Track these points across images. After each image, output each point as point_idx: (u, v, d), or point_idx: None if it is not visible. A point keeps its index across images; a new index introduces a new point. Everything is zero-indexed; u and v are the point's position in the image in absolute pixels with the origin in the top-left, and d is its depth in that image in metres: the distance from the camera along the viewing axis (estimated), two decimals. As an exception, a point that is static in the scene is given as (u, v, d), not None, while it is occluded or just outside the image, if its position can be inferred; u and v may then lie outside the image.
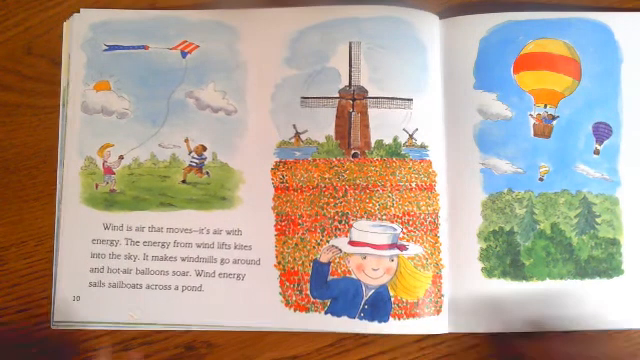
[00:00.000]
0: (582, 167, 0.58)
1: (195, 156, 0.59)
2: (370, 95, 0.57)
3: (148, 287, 0.58)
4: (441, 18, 0.59)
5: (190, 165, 0.59)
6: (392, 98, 0.57)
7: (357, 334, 0.58)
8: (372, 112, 0.57)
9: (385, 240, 0.56)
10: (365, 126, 0.57)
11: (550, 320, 0.57)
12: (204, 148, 0.59)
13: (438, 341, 0.58)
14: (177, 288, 0.58)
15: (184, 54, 0.60)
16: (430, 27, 0.58)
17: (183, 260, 0.58)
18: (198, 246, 0.58)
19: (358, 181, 0.57)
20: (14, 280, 0.59)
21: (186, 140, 0.59)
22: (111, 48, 0.60)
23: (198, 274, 0.58)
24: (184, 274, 0.58)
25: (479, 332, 0.58)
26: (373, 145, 0.57)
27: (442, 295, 0.57)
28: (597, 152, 0.58)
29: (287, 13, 0.59)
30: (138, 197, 0.59)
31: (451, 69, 0.59)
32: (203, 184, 0.59)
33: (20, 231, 0.59)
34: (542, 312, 0.57)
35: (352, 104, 0.57)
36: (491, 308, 0.57)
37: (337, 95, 0.58)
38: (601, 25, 0.59)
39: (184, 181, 0.59)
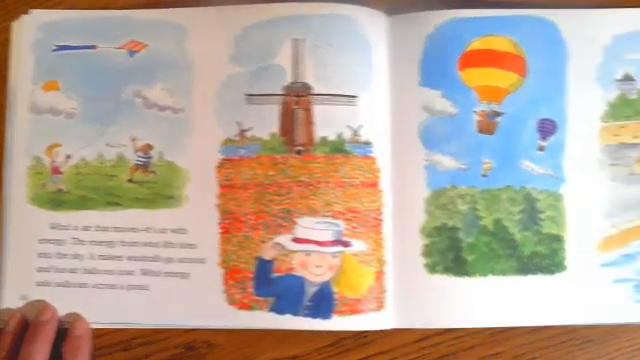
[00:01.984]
0: (526, 163, 0.58)
1: (141, 155, 0.59)
2: (314, 92, 0.57)
3: (94, 286, 0.58)
4: (389, 15, 0.59)
5: (136, 164, 0.59)
6: (336, 95, 0.57)
7: (357, 334, 0.58)
8: (316, 109, 0.58)
9: (328, 237, 0.56)
10: (309, 123, 0.57)
11: (494, 316, 0.57)
12: (150, 147, 0.59)
13: (438, 341, 0.58)
14: (123, 287, 0.58)
15: (132, 53, 0.60)
16: (376, 24, 0.59)
17: (129, 259, 0.58)
18: (144, 245, 0.58)
19: (302, 178, 0.57)
20: (-40, 280, 0.59)
21: (133, 139, 0.59)
22: (60, 48, 0.60)
23: (144, 273, 0.58)
24: (130, 273, 0.58)
25: (423, 328, 0.58)
26: (317, 142, 0.57)
27: (385, 291, 0.57)
28: (541, 148, 0.58)
29: (233, 11, 0.59)
30: (85, 196, 0.59)
31: (397, 66, 0.59)
32: (149, 183, 0.59)
33: (-34, 231, 0.59)
34: (485, 308, 0.57)
35: (296, 101, 0.57)
36: (434, 304, 0.57)
37: (282, 92, 0.58)
38: (547, 22, 0.59)
39: (130, 180, 0.59)
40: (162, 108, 0.59)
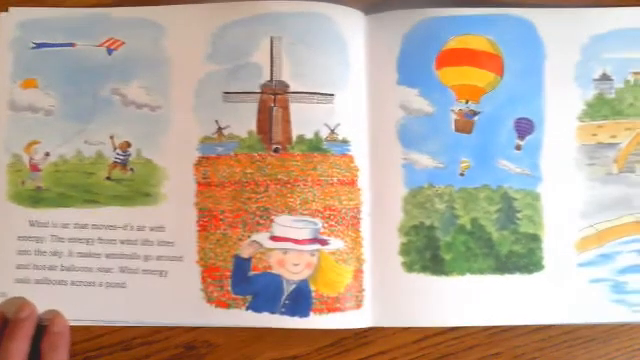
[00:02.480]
0: (503, 162, 0.58)
1: (120, 152, 0.59)
2: (291, 90, 0.58)
3: (73, 283, 0.58)
4: (366, 14, 0.59)
5: (115, 162, 0.59)
6: (313, 93, 0.57)
7: (357, 333, 0.58)
8: (293, 107, 0.58)
9: (306, 235, 0.56)
10: (286, 121, 0.57)
11: (471, 315, 0.57)
12: (128, 144, 0.59)
13: (438, 341, 0.58)
14: (101, 285, 0.58)
15: (110, 51, 0.60)
16: (354, 23, 0.59)
17: (107, 257, 0.58)
18: (122, 243, 0.58)
19: (279, 176, 0.57)
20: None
21: (111, 137, 0.59)
22: (39, 46, 0.60)
23: (122, 271, 0.58)
24: (108, 271, 0.58)
25: (402, 326, 0.58)
26: (295, 140, 0.57)
27: (363, 289, 0.57)
28: (519, 148, 0.59)
29: (210, 9, 0.59)
30: (64, 194, 0.59)
31: (375, 65, 0.59)
32: (127, 181, 0.59)
33: (-55, 228, 0.59)
34: (463, 307, 0.57)
35: (274, 99, 0.57)
36: (412, 302, 0.57)
37: (259, 90, 0.58)
38: (525, 21, 0.59)
39: (109, 178, 0.59)
40: (139, 106, 0.59)
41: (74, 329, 0.58)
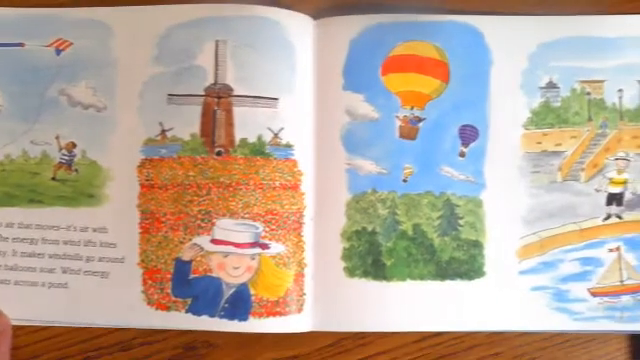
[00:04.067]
0: (447, 169, 0.59)
1: (65, 153, 0.59)
2: (235, 93, 0.58)
3: (16, 283, 0.58)
4: (314, 19, 0.59)
5: (60, 162, 0.59)
6: (257, 97, 0.57)
7: (357, 334, 0.58)
8: (237, 110, 0.58)
9: (247, 239, 0.56)
10: (230, 124, 0.57)
11: (412, 320, 0.57)
12: (74, 145, 0.59)
13: (438, 341, 0.58)
14: (44, 285, 0.58)
15: (58, 52, 0.60)
16: (301, 27, 0.59)
17: (50, 257, 0.58)
18: (65, 243, 0.58)
19: (222, 179, 0.57)
20: None
21: (57, 137, 0.59)
22: (-13, 45, 0.60)
23: (64, 271, 0.58)
24: (51, 271, 0.58)
25: (342, 331, 0.58)
26: (237, 143, 0.57)
27: (304, 293, 0.57)
28: (462, 155, 0.59)
29: (157, 11, 0.59)
30: (8, 193, 0.59)
31: (322, 70, 0.59)
32: (72, 181, 0.59)
33: None
34: (403, 312, 0.57)
35: (217, 102, 0.58)
36: (353, 307, 0.57)
37: (203, 93, 0.58)
38: (472, 28, 0.60)
39: (54, 178, 0.59)
40: (86, 106, 0.59)
41: (70, 330, 0.58)
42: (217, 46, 0.58)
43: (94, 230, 0.58)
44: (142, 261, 0.57)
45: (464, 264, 0.58)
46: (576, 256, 0.58)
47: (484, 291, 0.57)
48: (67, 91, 0.59)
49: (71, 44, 0.60)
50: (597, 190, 0.59)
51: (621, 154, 0.59)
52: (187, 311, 0.56)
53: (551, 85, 0.60)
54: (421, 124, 0.59)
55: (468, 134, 0.58)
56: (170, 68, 0.58)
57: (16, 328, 0.58)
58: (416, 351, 0.58)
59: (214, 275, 0.56)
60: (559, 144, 0.59)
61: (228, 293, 0.56)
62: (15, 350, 0.58)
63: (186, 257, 0.56)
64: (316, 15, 0.60)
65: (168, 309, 0.56)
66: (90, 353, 0.58)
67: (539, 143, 0.59)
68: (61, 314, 0.58)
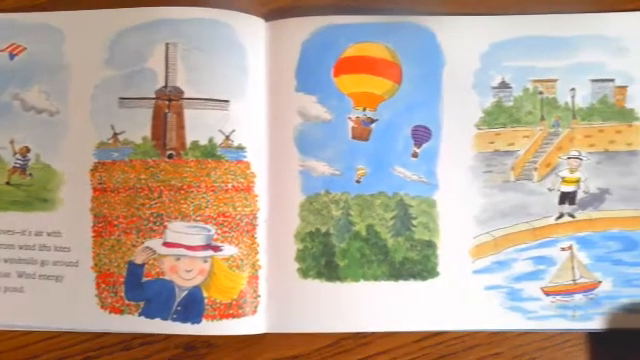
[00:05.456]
0: (399, 170, 0.59)
1: (19, 157, 0.59)
2: (186, 96, 0.58)
3: (-29, 288, 0.58)
4: (266, 20, 0.60)
5: (14, 166, 0.59)
6: (207, 99, 0.58)
7: (357, 333, 0.58)
8: (188, 113, 0.58)
9: (198, 241, 0.56)
10: (181, 127, 0.58)
11: (365, 321, 0.57)
12: (28, 149, 0.59)
13: (438, 341, 0.58)
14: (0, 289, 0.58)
15: (12, 56, 0.60)
16: (252, 29, 0.59)
17: (5, 261, 0.58)
18: (20, 248, 0.58)
19: (173, 182, 0.57)
20: None
21: (11, 141, 0.59)
22: (-58, 50, 0.60)
23: (19, 275, 0.58)
24: (6, 275, 0.58)
25: (297, 332, 0.58)
26: (189, 146, 0.58)
27: (258, 295, 0.57)
28: (415, 155, 0.59)
29: (108, 14, 0.59)
30: (-37, 198, 0.59)
31: (274, 71, 0.59)
32: (26, 186, 0.59)
33: None
34: (357, 313, 0.57)
35: (168, 105, 0.58)
36: (307, 308, 0.58)
37: (154, 96, 0.58)
38: (423, 29, 0.60)
39: (8, 183, 0.59)
40: (39, 111, 0.59)
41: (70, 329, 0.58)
42: (167, 49, 0.58)
43: (48, 234, 0.58)
44: (95, 265, 0.57)
45: (418, 264, 0.58)
46: (529, 255, 0.58)
47: (438, 291, 0.58)
48: (20, 95, 0.60)
49: (25, 49, 0.60)
50: (550, 189, 0.59)
51: (574, 153, 0.59)
52: (140, 314, 0.56)
53: (503, 85, 0.60)
54: (374, 125, 0.59)
55: (421, 135, 0.58)
56: (121, 71, 0.58)
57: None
58: (416, 351, 0.58)
59: (167, 278, 0.56)
60: (512, 144, 0.59)
61: (181, 296, 0.56)
62: (15, 350, 0.58)
63: (139, 260, 0.57)
64: (268, 17, 0.60)
65: (121, 312, 0.56)
66: (90, 353, 0.59)
67: (492, 143, 0.59)
68: (18, 318, 0.58)
